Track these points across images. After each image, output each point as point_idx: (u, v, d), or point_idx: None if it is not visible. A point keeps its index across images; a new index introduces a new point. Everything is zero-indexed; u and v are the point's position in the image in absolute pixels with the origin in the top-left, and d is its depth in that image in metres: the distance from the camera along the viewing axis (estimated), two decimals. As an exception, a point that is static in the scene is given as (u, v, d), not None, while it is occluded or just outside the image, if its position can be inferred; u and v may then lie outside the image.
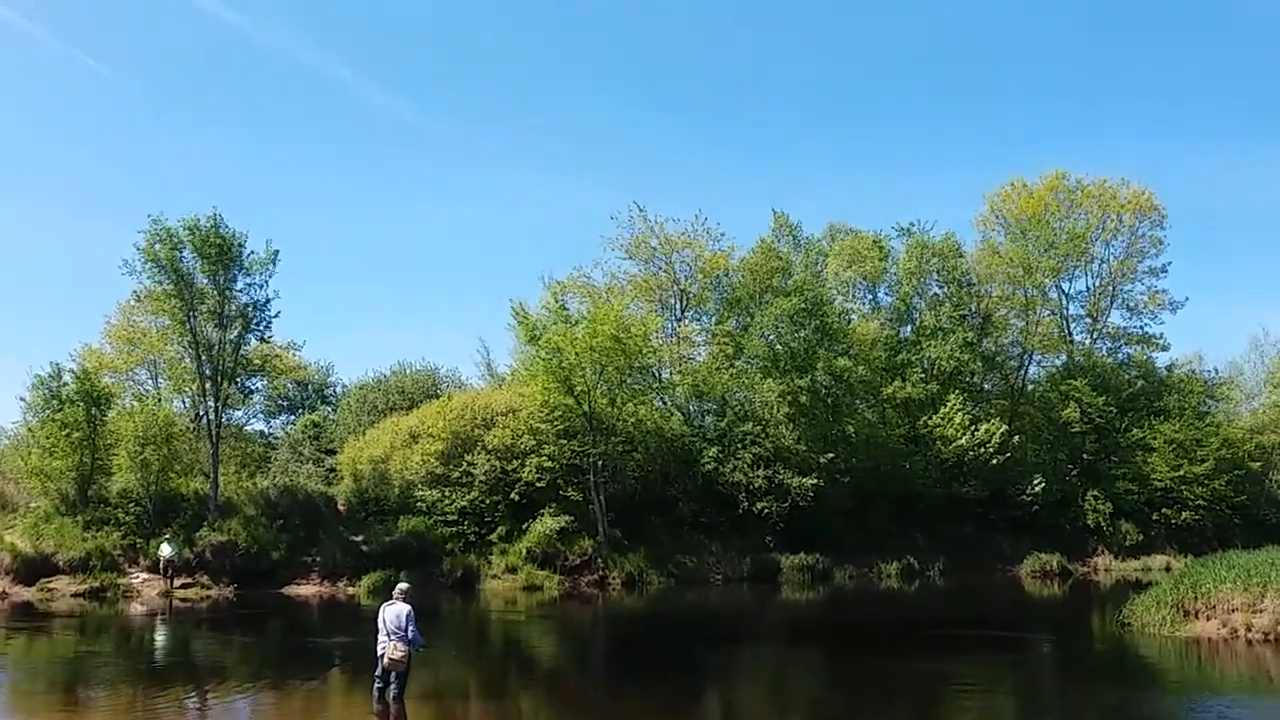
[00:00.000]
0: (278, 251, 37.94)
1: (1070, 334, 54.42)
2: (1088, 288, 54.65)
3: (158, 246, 36.22)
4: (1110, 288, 54.30)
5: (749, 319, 45.24)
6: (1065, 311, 54.48)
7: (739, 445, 40.92)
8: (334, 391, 59.71)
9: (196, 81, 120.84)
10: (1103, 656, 21.46)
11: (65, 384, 37.08)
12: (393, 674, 13.93)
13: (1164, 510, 47.26)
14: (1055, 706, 15.83)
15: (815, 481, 39.87)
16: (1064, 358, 53.07)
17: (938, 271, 49.48)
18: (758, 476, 39.85)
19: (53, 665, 19.77)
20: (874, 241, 50.90)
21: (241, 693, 16.72)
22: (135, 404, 39.40)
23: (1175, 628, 21.26)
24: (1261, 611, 20.03)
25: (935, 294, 49.95)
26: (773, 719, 15.07)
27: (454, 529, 37.62)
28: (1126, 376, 52.43)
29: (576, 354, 37.65)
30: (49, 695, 16.02)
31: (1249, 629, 19.90)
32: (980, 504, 45.07)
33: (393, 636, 13.88)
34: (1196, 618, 21.31)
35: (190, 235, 36.43)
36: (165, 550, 33.60)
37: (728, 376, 43.33)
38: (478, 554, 37.16)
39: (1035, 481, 45.83)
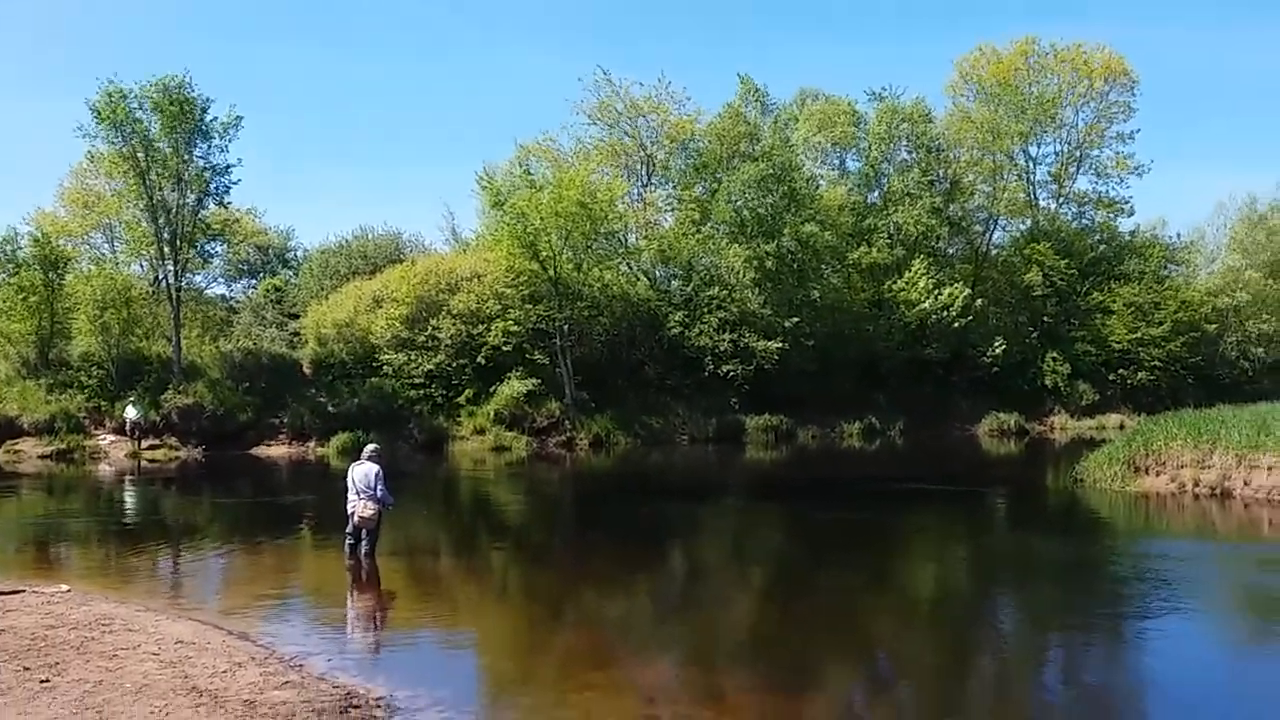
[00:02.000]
0: (240, 117, 37.18)
1: (1036, 199, 54.39)
2: (1055, 153, 54.32)
3: (109, 108, 35.12)
4: (1078, 153, 54.03)
5: (716, 185, 44.82)
6: (1032, 177, 54.32)
7: (705, 309, 41.12)
8: (295, 256, 59.03)
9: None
10: (1054, 509, 22.19)
11: (20, 248, 36.46)
12: (363, 531, 14.14)
13: (1120, 371, 48.24)
14: (1006, 553, 16.41)
15: (780, 345, 40.32)
16: (1029, 222, 53.20)
17: (907, 137, 49.01)
18: (723, 340, 40.20)
19: (23, 525, 19.87)
20: (846, 106, 50.20)
21: (215, 550, 16.99)
22: (93, 268, 38.85)
23: (1126, 483, 21.87)
24: (1210, 468, 20.58)
25: (904, 159, 49.55)
26: (736, 569, 15.51)
27: (421, 392, 37.86)
28: (1089, 241, 52.74)
29: (542, 219, 37.33)
30: (21, 554, 16.13)
31: (1196, 484, 20.48)
32: (941, 366, 45.91)
33: (362, 495, 14.03)
34: (1147, 474, 21.91)
35: (154, 95, 35.40)
36: (131, 412, 33.69)
37: (694, 242, 43.20)
38: (446, 416, 37.53)
39: (996, 344, 46.50)
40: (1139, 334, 47.95)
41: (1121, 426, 41.13)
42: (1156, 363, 47.87)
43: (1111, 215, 54.26)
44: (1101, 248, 52.49)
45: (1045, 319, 50.33)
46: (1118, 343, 48.17)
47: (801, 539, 17.97)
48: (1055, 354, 47.73)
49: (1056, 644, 10.77)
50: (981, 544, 17.48)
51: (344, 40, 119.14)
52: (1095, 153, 54.07)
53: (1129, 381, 48.05)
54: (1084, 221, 54.57)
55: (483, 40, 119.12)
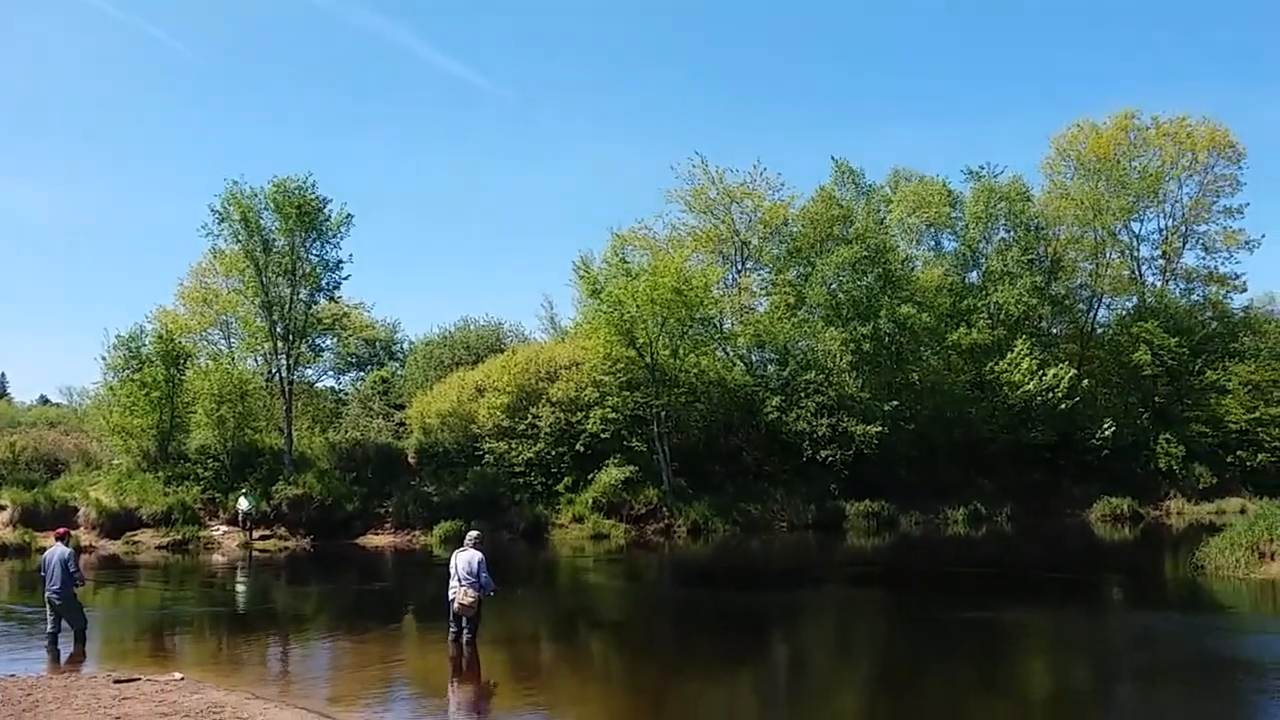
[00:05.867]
0: (351, 215, 38.65)
1: (1141, 276, 53.13)
2: (1160, 229, 53.10)
3: (231, 207, 36.88)
4: (1183, 228, 52.81)
5: (810, 268, 44.84)
6: (1136, 253, 53.12)
7: (802, 394, 40.84)
8: (401, 348, 60.56)
9: (262, 50, 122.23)
10: (1176, 598, 21.24)
11: (144, 344, 38.08)
12: (464, 618, 14.32)
13: (1239, 453, 46.37)
14: (1125, 647, 15.73)
15: (879, 429, 39.74)
16: (1135, 300, 51.96)
17: (1005, 216, 48.44)
18: (821, 425, 39.79)
19: (140, 615, 20.52)
20: (941, 186, 50.02)
21: (322, 639, 17.31)
22: (210, 363, 40.40)
23: (1250, 570, 20.96)
24: (1341, 553, 19.66)
25: (1003, 238, 48.95)
26: (839, 663, 15.21)
27: (521, 480, 38.20)
28: (1200, 318, 51.27)
29: (638, 306, 37.75)
30: (138, 643, 16.65)
31: (1327, 571, 19.55)
32: (1048, 449, 44.48)
33: (463, 582, 14.22)
34: (1273, 560, 20.99)
35: (275, 196, 37.02)
36: (243, 504, 34.66)
37: (789, 326, 43.18)
38: (545, 504, 37.73)
39: (1105, 426, 45.09)
40: (1258, 413, 46.14)
41: (1242, 510, 39.43)
42: (1278, 443, 45.83)
43: (1223, 291, 52.67)
44: (1213, 325, 50.94)
45: (1156, 399, 48.74)
46: (1235, 423, 46.37)
47: (907, 631, 17.50)
48: (1168, 435, 46.10)
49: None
50: (1099, 637, 16.78)
51: (439, 136, 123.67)
52: (1202, 228, 52.83)
53: (1248, 463, 46.08)
54: (1194, 298, 53.08)
55: (578, 131, 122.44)
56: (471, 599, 14.17)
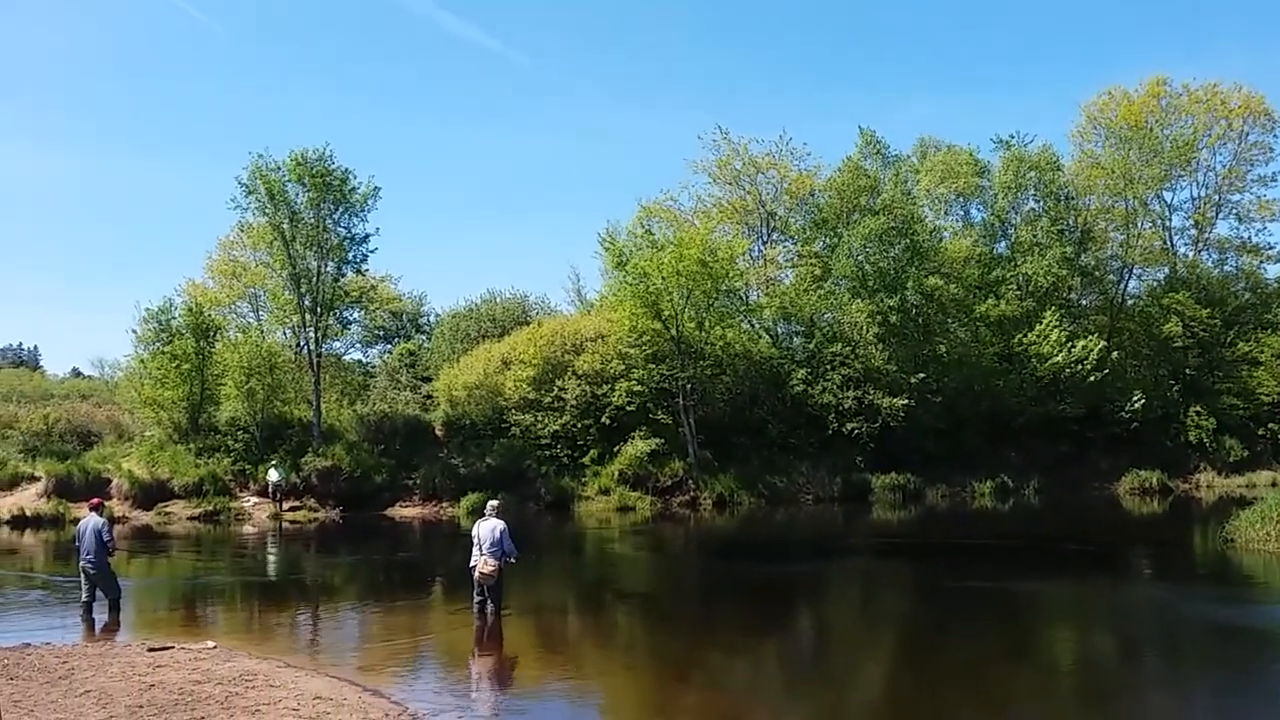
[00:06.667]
0: (379, 188, 38.57)
1: (1173, 246, 52.45)
2: (1192, 198, 52.42)
3: (257, 180, 36.96)
4: (1217, 197, 52.05)
5: (836, 239, 44.55)
6: (1168, 223, 52.45)
7: (828, 366, 40.70)
8: (427, 320, 60.82)
9: (292, 23, 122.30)
10: (1205, 571, 21.09)
11: (174, 317, 38.41)
12: (485, 587, 14.48)
13: (1271, 425, 45.90)
14: (1153, 619, 15.66)
15: (906, 402, 39.55)
16: (1166, 271, 51.31)
17: (1034, 185, 47.83)
18: (847, 397, 39.67)
19: (173, 585, 20.81)
20: (969, 156, 49.45)
21: (351, 609, 17.52)
22: (239, 336, 40.67)
23: (1280, 543, 20.80)
24: (1372, 527, 19.45)
25: (1032, 209, 48.38)
26: (865, 634, 15.24)
27: (547, 452, 38.33)
28: (1233, 289, 50.60)
29: (663, 278, 37.62)
30: (171, 612, 16.91)
31: (1358, 544, 19.36)
32: (1077, 422, 44.07)
33: (485, 552, 14.39)
34: (1303, 533, 20.81)
35: (297, 168, 37.07)
36: (273, 475, 35.01)
37: (816, 298, 42.96)
38: (571, 476, 37.87)
39: (1134, 398, 44.63)
40: (1291, 386, 45.64)
41: (1274, 484, 39.13)
42: (1312, 416, 45.38)
43: (1256, 262, 51.98)
44: (1246, 296, 50.28)
45: (1187, 371, 48.21)
46: (1267, 395, 45.88)
47: (933, 604, 17.47)
48: (1199, 408, 45.63)
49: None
50: (1126, 609, 16.72)
51: (465, 108, 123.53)
52: (1236, 197, 52.12)
53: (1280, 436, 45.63)
54: (1226, 269, 52.43)
55: (603, 102, 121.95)
56: (492, 567, 14.35)
